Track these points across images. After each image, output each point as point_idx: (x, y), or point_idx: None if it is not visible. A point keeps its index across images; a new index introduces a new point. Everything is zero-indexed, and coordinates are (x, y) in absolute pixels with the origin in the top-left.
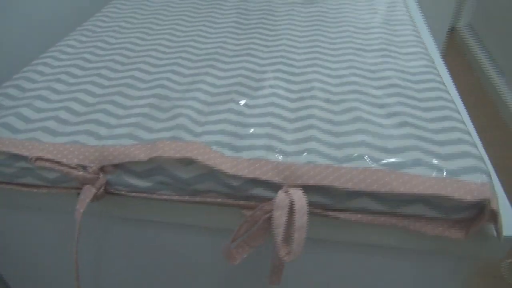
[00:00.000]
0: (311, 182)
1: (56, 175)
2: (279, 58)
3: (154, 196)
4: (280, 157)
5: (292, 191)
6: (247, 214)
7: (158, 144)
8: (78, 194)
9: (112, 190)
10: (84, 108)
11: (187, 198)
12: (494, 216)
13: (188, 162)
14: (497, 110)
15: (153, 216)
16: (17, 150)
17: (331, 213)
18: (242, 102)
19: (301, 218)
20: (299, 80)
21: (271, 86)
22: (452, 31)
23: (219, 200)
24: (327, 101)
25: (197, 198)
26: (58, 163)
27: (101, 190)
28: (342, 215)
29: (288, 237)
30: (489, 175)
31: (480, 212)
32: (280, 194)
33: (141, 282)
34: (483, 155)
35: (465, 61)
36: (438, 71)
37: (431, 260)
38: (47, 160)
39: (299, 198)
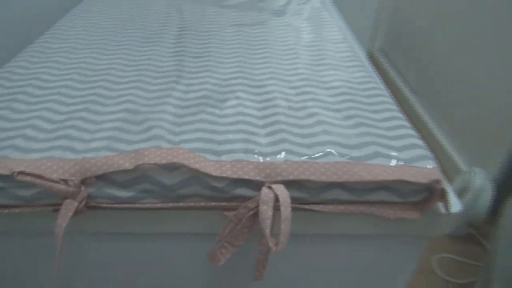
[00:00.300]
0: (291, 177)
1: (32, 192)
2: (238, 73)
3: (137, 205)
4: (260, 158)
5: (275, 186)
6: (230, 214)
7: (143, 152)
8: (55, 211)
9: (93, 204)
10: (52, 125)
11: (170, 204)
12: (443, 195)
13: (172, 168)
14: (414, 124)
15: (135, 227)
16: None
17: (307, 206)
18: (217, 111)
19: (286, 210)
20: (261, 91)
21: (237, 98)
22: (370, 55)
23: (202, 203)
24: (290, 108)
25: (181, 204)
26: (40, 177)
27: (82, 204)
28: (317, 207)
29: (271, 231)
30: (434, 162)
31: (430, 194)
32: (264, 190)
33: None
34: None
35: (383, 81)
36: (377, 80)
37: (390, 244)
38: (29, 174)
39: (282, 192)
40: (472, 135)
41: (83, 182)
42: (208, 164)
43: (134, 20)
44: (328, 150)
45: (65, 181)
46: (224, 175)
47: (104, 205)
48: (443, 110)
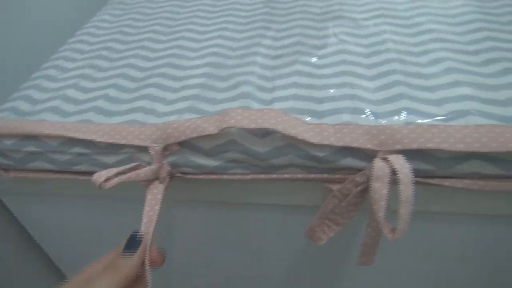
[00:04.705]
0: (414, 146)
1: (118, 159)
2: (335, 12)
3: (225, 176)
4: (371, 120)
5: (392, 158)
6: (333, 188)
7: (229, 113)
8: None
9: (177, 174)
10: (134, 84)
11: (262, 176)
12: None
13: (264, 134)
14: None
15: (221, 197)
16: (71, 133)
17: (433, 181)
18: (313, 60)
19: (407, 189)
20: (366, 33)
21: (338, 42)
22: None
23: (299, 175)
24: (407, 52)
25: (274, 176)
26: (122, 173)
27: (167, 180)
28: (447, 182)
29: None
30: None
31: None
32: (377, 163)
33: (208, 269)
34: None
35: None
36: None
37: None
38: (113, 176)
39: (403, 166)
40: None
41: (166, 148)
42: (307, 129)
43: None
44: (466, 108)
45: (146, 148)
46: (326, 142)
47: (189, 176)
48: None
